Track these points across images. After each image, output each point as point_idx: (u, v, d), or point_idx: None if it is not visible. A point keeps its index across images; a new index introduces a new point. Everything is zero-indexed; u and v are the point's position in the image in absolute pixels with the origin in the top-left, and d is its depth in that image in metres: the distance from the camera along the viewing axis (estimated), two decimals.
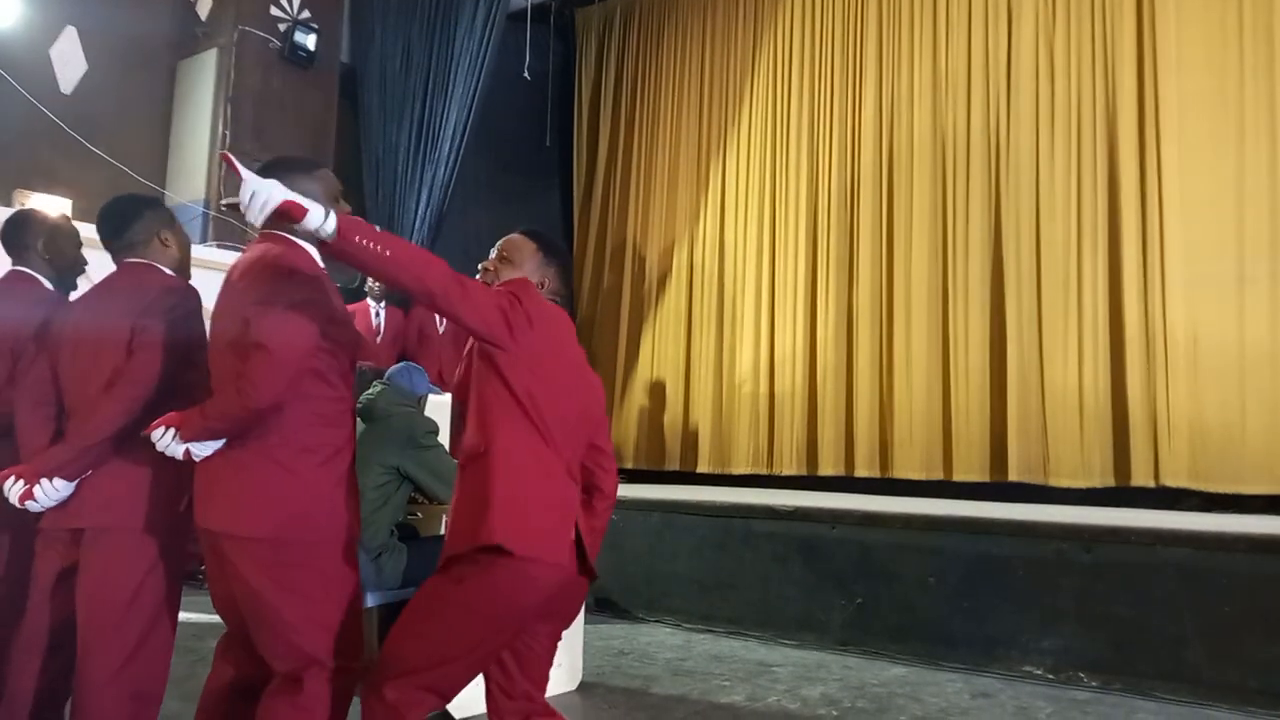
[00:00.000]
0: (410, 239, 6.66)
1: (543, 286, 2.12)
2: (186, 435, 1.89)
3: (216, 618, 2.06)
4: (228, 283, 2.01)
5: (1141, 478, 5.16)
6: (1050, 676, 3.78)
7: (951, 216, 6.04)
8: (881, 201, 6.34)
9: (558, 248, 2.21)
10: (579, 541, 1.99)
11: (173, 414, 1.94)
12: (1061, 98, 5.71)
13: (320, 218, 1.74)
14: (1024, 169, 5.79)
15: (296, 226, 1.78)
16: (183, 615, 2.33)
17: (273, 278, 1.90)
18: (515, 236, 2.18)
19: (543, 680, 2.08)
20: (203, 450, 1.91)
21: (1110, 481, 5.26)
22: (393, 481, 2.91)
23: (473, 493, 1.91)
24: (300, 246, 2.00)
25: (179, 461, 1.93)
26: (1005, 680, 3.79)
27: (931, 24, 6.28)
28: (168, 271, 2.33)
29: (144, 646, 2.16)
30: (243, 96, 6.38)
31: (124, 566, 2.15)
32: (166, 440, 1.91)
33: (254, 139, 6.39)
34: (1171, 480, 5.06)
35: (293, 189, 1.78)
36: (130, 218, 2.33)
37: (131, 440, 2.09)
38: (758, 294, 6.82)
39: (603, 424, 2.19)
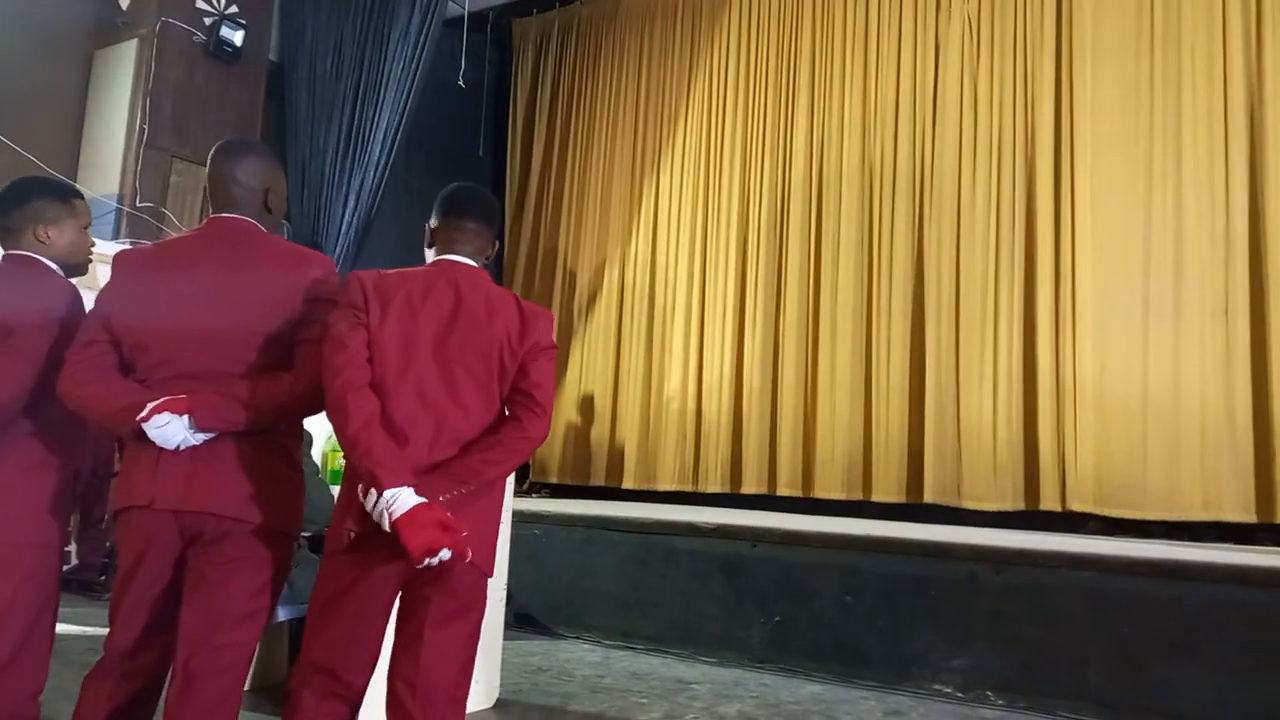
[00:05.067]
0: (336, 244, 6.55)
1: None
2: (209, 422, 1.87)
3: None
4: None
5: (1050, 502, 5.34)
6: (960, 695, 3.86)
7: (877, 244, 6.18)
8: (810, 226, 6.46)
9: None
10: None
11: (179, 400, 1.86)
12: (984, 132, 5.91)
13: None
14: (946, 201, 5.96)
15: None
16: (73, 628, 2.23)
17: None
18: None
19: None
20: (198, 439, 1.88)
21: (1020, 505, 5.43)
22: None
23: None
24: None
25: (55, 471, 1.88)
26: (916, 699, 3.86)
27: (863, 55, 6.44)
28: (51, 266, 2.21)
29: (15, 662, 2.05)
30: (163, 91, 6.18)
31: None
32: (178, 429, 1.85)
33: (173, 135, 6.20)
34: (1078, 505, 5.24)
35: (280, 185, 2.01)
36: (9, 203, 2.22)
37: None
38: (687, 313, 6.87)
39: None
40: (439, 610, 1.90)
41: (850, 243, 6.26)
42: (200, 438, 1.88)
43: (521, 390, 1.96)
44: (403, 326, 1.92)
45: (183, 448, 1.86)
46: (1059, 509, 5.30)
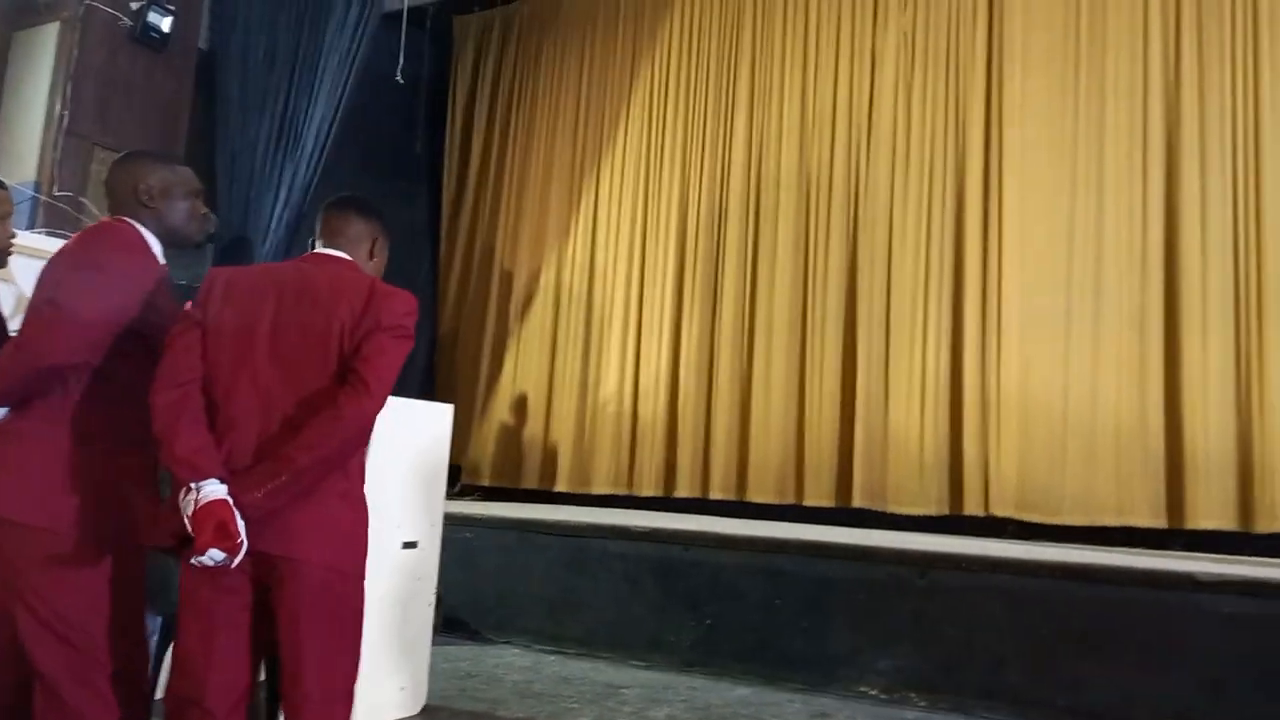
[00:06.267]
0: (266, 238, 6.40)
1: None
2: None
3: None
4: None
5: (973, 507, 5.48)
6: (883, 696, 3.94)
7: (813, 252, 6.27)
8: (748, 233, 6.52)
9: None
10: None
11: None
12: (916, 144, 6.04)
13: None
14: (879, 211, 6.08)
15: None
16: None
17: (98, 246, 1.87)
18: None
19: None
20: None
21: (945, 510, 5.56)
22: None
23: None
24: (137, 229, 1.97)
25: None
26: (842, 700, 3.93)
27: (801, 65, 6.52)
28: None
29: None
30: (85, 76, 5.96)
31: None
32: None
33: (96, 122, 5.98)
34: (999, 510, 5.39)
35: (148, 179, 1.85)
36: None
37: None
38: (625, 317, 6.88)
39: None
40: (294, 615, 1.82)
41: (786, 250, 6.34)
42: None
43: (350, 369, 1.86)
44: (243, 319, 1.89)
45: None
46: (981, 514, 5.44)
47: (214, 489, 1.75)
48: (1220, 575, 3.64)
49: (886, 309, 5.94)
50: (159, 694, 2.11)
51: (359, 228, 2.09)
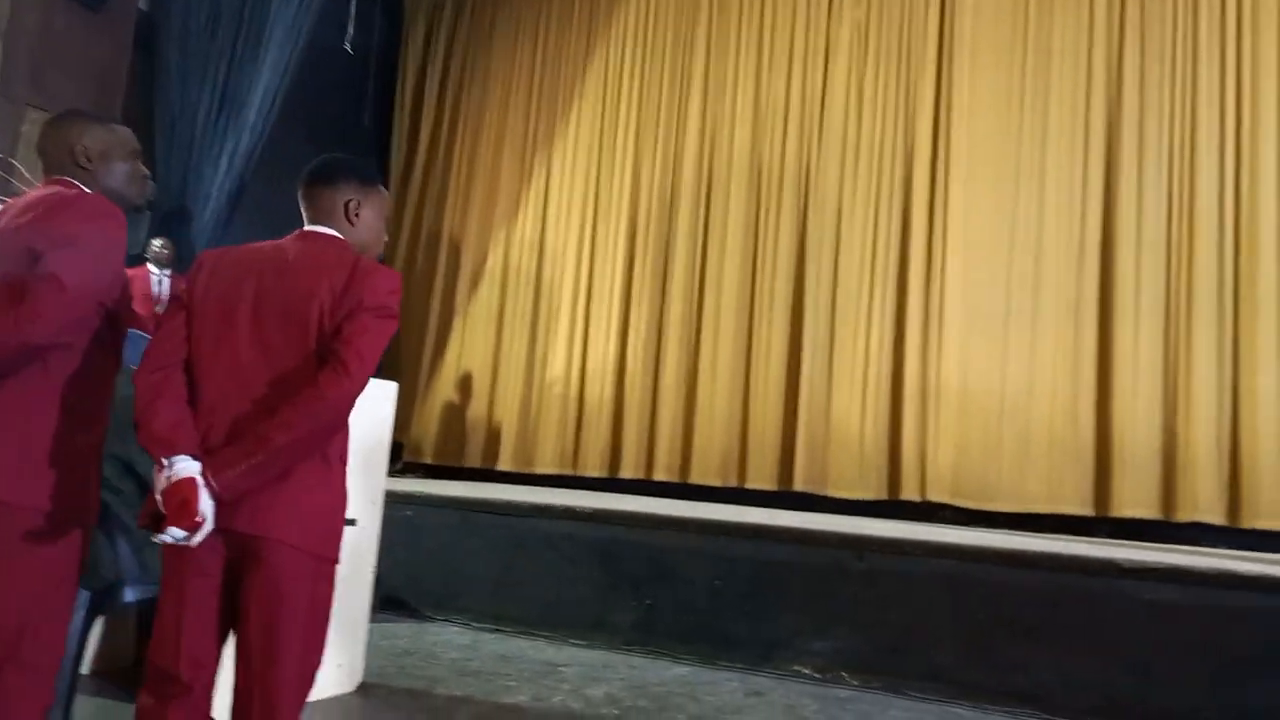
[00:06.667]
0: (206, 209, 6.23)
1: None
2: None
3: None
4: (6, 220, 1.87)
5: (910, 493, 5.60)
6: (818, 676, 4.01)
7: (763, 239, 6.32)
8: (699, 218, 6.55)
9: None
10: None
11: None
12: (866, 137, 6.11)
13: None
14: (829, 202, 6.14)
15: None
16: None
17: (74, 217, 1.85)
18: None
19: None
20: None
21: (883, 495, 5.67)
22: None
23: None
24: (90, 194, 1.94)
25: None
26: (778, 680, 3.99)
27: (755, 52, 6.55)
28: None
29: None
30: (18, 35, 5.71)
31: None
32: None
33: (29, 84, 5.74)
34: (935, 496, 5.51)
35: (85, 140, 1.83)
36: None
37: None
38: (574, 298, 6.86)
39: None
40: (261, 595, 1.80)
41: (736, 236, 6.38)
42: None
43: (330, 349, 1.82)
44: (225, 300, 1.87)
45: None
46: (918, 499, 5.56)
47: (185, 466, 1.73)
48: (1143, 562, 3.78)
49: (833, 298, 6.02)
50: (85, 668, 2.07)
51: (327, 197, 2.01)
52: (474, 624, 4.64)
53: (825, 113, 6.26)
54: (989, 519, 5.29)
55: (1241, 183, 5.19)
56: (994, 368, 5.50)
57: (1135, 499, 5.12)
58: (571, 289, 6.89)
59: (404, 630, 4.45)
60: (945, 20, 6.00)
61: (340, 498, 1.95)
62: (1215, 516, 4.96)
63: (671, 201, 6.67)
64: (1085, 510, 5.21)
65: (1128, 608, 3.68)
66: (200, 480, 1.74)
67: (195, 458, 1.76)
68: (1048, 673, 3.72)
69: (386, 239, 2.16)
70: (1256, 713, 3.41)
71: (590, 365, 6.71)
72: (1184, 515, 5.03)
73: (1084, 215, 5.45)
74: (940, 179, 5.87)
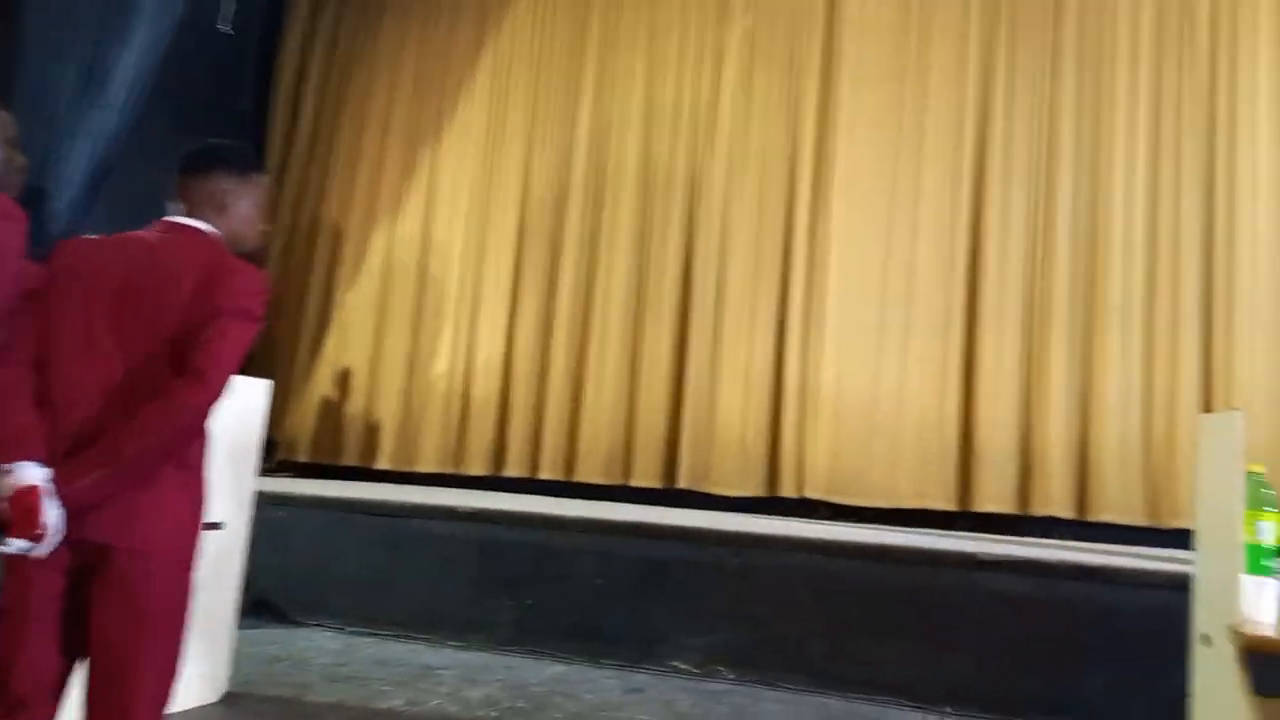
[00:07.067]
0: (68, 193, 5.88)
1: None
2: None
3: None
4: None
5: (788, 490, 5.77)
6: (695, 671, 4.10)
7: (651, 241, 6.37)
8: (588, 216, 6.55)
9: None
10: None
11: None
12: (754, 143, 6.23)
13: None
14: (716, 206, 6.24)
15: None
16: None
17: None
18: None
19: None
20: None
21: (762, 492, 5.82)
22: None
23: None
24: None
25: None
26: (657, 676, 4.06)
27: (646, 53, 6.58)
28: None
29: None
30: None
31: None
32: None
33: None
34: (811, 493, 5.70)
35: None
36: None
37: None
38: (460, 293, 6.76)
39: None
40: (113, 607, 1.74)
41: (626, 237, 6.42)
42: None
43: (188, 354, 1.77)
44: (84, 296, 1.79)
45: None
46: (796, 496, 5.74)
47: (28, 473, 1.66)
48: (998, 555, 4.01)
49: (718, 301, 6.13)
50: None
51: (200, 186, 1.94)
52: (348, 628, 4.54)
53: (715, 117, 6.35)
54: (861, 514, 5.51)
55: (1098, 203, 5.55)
56: (868, 372, 5.73)
57: (995, 494, 5.42)
58: (457, 284, 6.79)
59: (274, 636, 4.31)
60: (830, 35, 6.16)
61: (197, 502, 1.88)
62: (1066, 510, 5.30)
63: (561, 199, 6.65)
64: (950, 505, 5.49)
65: (982, 599, 3.90)
66: (46, 489, 1.66)
67: (42, 463, 1.68)
68: (908, 666, 3.90)
69: (264, 229, 2.09)
70: (1095, 696, 3.66)
71: (475, 362, 6.64)
72: (1038, 509, 5.35)
73: (953, 232, 5.73)
74: (822, 190, 6.03)
